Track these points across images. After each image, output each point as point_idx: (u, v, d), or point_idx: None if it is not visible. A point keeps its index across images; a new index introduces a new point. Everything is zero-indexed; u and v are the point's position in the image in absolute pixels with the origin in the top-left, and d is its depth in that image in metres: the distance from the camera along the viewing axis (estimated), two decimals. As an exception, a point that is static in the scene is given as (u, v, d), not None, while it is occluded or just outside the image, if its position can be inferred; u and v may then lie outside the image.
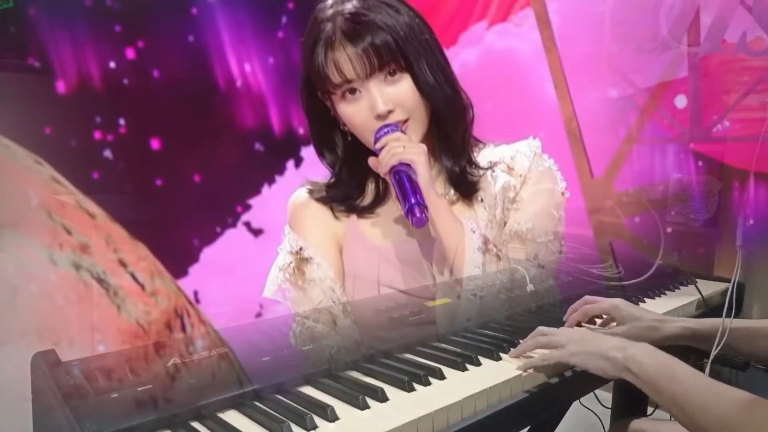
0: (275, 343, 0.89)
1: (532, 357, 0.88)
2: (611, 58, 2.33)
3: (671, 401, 0.76)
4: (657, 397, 0.78)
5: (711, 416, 0.72)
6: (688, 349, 1.01)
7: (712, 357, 0.94)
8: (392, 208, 1.23)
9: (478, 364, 0.86)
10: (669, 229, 2.24)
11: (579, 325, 1.06)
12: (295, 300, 1.20)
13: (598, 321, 1.09)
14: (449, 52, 1.30)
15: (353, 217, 1.25)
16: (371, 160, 1.15)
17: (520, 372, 0.84)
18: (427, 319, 1.01)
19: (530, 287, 1.15)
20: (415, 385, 0.78)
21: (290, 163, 2.00)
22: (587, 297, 1.06)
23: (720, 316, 0.99)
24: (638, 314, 1.00)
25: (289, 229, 1.25)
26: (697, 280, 1.36)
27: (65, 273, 1.41)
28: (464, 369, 0.84)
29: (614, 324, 1.03)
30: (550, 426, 1.47)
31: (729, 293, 1.05)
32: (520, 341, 0.91)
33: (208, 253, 1.83)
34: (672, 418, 1.20)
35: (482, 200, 1.21)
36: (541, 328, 0.91)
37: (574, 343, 0.85)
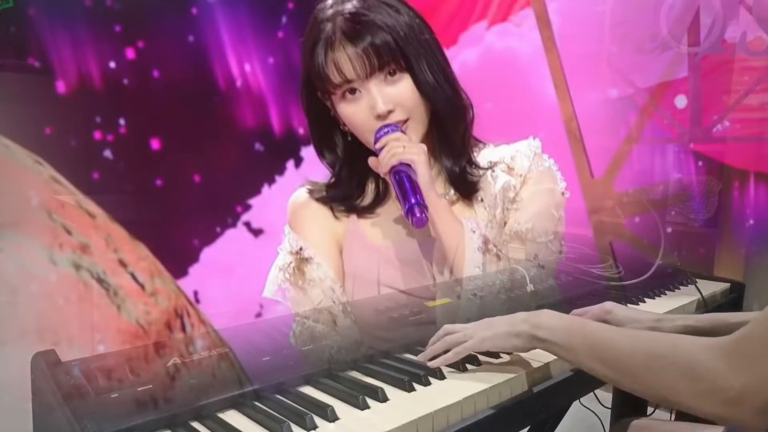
0: (275, 343, 0.89)
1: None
2: (611, 58, 2.34)
3: (592, 357, 0.75)
4: (573, 357, 0.77)
5: (638, 356, 0.71)
6: None
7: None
8: (392, 208, 1.23)
9: (479, 363, 0.86)
10: (669, 229, 2.24)
11: None
12: (295, 300, 1.20)
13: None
14: (449, 52, 1.30)
15: (353, 217, 1.25)
16: (371, 160, 1.15)
17: (520, 372, 0.84)
18: (427, 319, 1.01)
19: (530, 287, 1.15)
20: (415, 385, 0.78)
21: (290, 163, 2.00)
22: (574, 311, 1.04)
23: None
24: (635, 316, 0.99)
25: (289, 229, 1.25)
26: (697, 280, 1.36)
27: (65, 273, 1.41)
28: (464, 369, 0.84)
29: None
30: (550, 426, 1.47)
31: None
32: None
33: (208, 253, 1.83)
34: (672, 415, 1.20)
35: (482, 200, 1.21)
36: (446, 327, 0.88)
37: (482, 329, 0.84)
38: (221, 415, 0.71)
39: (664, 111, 2.32)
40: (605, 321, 1.00)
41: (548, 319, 0.80)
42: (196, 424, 0.69)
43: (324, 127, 1.22)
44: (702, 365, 0.65)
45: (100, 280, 1.45)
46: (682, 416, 1.22)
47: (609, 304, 1.01)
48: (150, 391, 0.71)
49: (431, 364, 0.83)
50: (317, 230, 1.24)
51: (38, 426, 0.73)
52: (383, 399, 0.74)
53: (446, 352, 0.85)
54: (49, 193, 1.45)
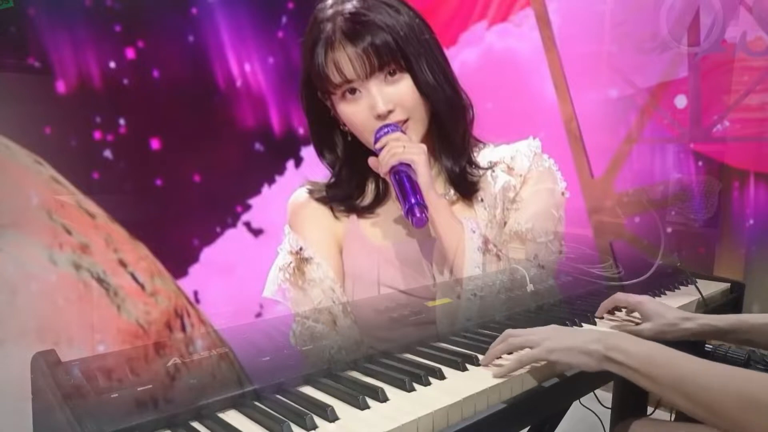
0: (275, 343, 0.89)
1: (504, 363, 0.85)
2: (611, 58, 2.34)
3: (671, 387, 0.75)
4: (650, 384, 0.77)
5: (722, 394, 0.71)
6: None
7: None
8: (392, 208, 1.23)
9: (478, 364, 0.86)
10: (669, 229, 2.24)
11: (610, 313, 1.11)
12: (295, 300, 1.20)
13: (620, 313, 1.12)
14: (449, 52, 1.30)
15: (353, 217, 1.25)
16: (371, 160, 1.15)
17: (520, 372, 0.84)
18: (427, 319, 1.01)
19: (530, 287, 1.15)
20: (415, 385, 0.78)
21: (290, 163, 2.00)
22: (618, 293, 1.09)
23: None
24: (662, 311, 1.02)
25: (289, 229, 1.25)
26: (697, 280, 1.36)
27: (65, 273, 1.41)
28: (464, 369, 0.84)
29: (639, 320, 1.05)
30: (550, 426, 1.47)
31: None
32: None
33: (208, 253, 1.83)
34: (673, 415, 1.20)
35: (482, 200, 1.21)
36: (509, 331, 0.88)
37: (549, 339, 0.83)
38: (221, 415, 0.71)
39: (664, 111, 2.32)
40: (637, 310, 1.05)
41: (626, 343, 0.79)
42: (196, 424, 0.69)
43: (324, 127, 1.22)
44: None
45: (100, 280, 1.45)
46: (683, 416, 1.22)
47: (644, 297, 1.06)
48: (150, 391, 0.71)
49: (495, 374, 0.82)
50: (317, 230, 1.24)
51: (38, 426, 0.73)
52: (383, 399, 0.74)
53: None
54: (49, 193, 1.45)
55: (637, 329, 1.02)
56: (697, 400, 0.73)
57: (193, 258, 1.80)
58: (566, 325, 1.04)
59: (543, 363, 0.85)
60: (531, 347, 0.84)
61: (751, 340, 0.97)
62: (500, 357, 0.87)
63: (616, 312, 1.12)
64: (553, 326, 0.88)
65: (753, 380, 0.72)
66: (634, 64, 2.30)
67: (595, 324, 1.08)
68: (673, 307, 1.06)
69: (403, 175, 1.10)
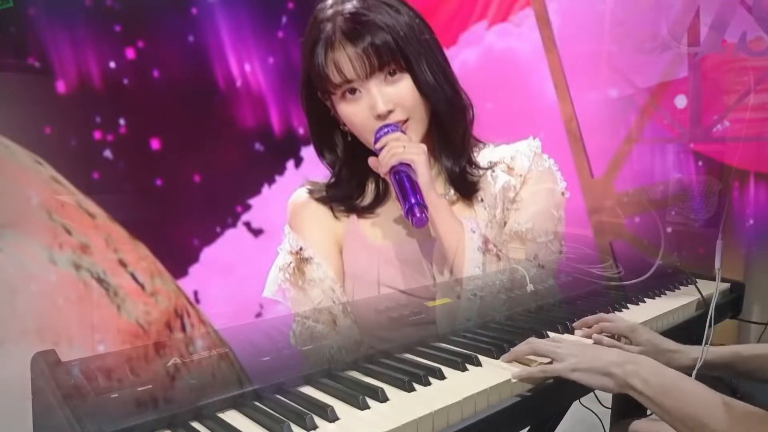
0: (275, 343, 0.89)
1: (528, 365, 0.86)
2: (611, 58, 2.33)
3: (681, 422, 0.75)
4: (664, 416, 0.77)
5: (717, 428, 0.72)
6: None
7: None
8: (392, 208, 1.23)
9: (478, 364, 0.86)
10: (669, 229, 2.24)
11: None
12: (295, 300, 1.20)
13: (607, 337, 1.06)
14: (449, 52, 1.30)
15: (353, 217, 1.25)
16: (371, 160, 1.15)
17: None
18: (427, 319, 1.01)
19: (530, 287, 1.15)
20: (415, 385, 0.78)
21: (290, 163, 2.00)
22: (602, 315, 1.05)
23: (721, 315, 0.99)
24: (656, 341, 0.99)
25: (289, 229, 1.25)
26: (697, 280, 1.36)
27: (65, 273, 1.41)
28: (464, 369, 0.84)
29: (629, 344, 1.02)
30: (550, 426, 1.47)
31: None
32: (518, 342, 0.90)
33: (208, 253, 1.83)
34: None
35: (482, 200, 1.21)
36: (535, 340, 0.89)
37: (573, 356, 0.83)
38: (221, 415, 0.71)
39: (664, 111, 2.32)
40: (628, 338, 1.00)
41: (646, 371, 0.79)
42: (196, 424, 0.69)
43: (324, 127, 1.23)
44: None
45: (100, 280, 1.45)
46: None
47: (636, 324, 1.01)
48: (150, 391, 0.71)
49: (514, 375, 0.83)
50: (317, 230, 1.24)
51: (38, 426, 0.73)
52: (383, 399, 0.74)
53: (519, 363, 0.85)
54: (49, 193, 1.45)
55: (626, 348, 0.99)
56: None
57: (193, 258, 1.80)
58: (566, 325, 1.05)
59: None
60: (554, 359, 0.84)
61: (749, 373, 0.96)
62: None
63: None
64: (578, 343, 0.89)
65: (763, 422, 0.72)
66: (634, 64, 2.30)
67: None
68: (668, 339, 1.02)
69: (403, 175, 1.10)
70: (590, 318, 1.05)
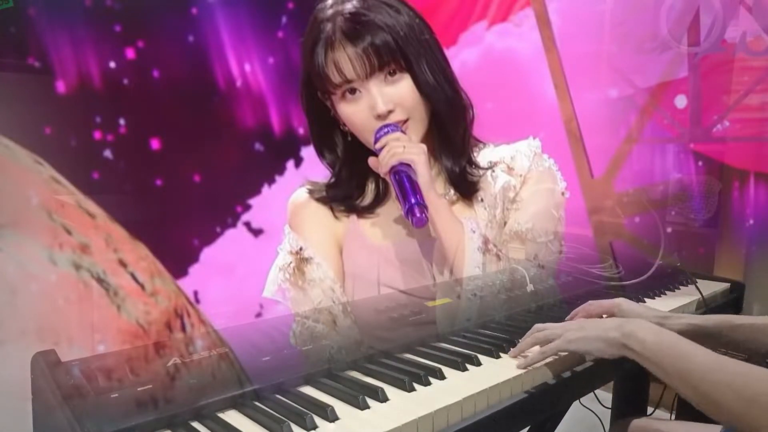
0: (275, 343, 0.89)
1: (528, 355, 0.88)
2: (611, 58, 2.34)
3: (679, 379, 0.76)
4: (661, 374, 0.77)
5: (728, 390, 0.72)
6: None
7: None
8: (392, 208, 1.23)
9: (478, 364, 0.86)
10: (669, 229, 2.24)
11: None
12: (295, 300, 1.20)
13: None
14: (449, 52, 1.30)
15: (353, 217, 1.25)
16: (371, 160, 1.15)
17: (520, 372, 0.84)
18: (427, 319, 1.01)
19: (530, 287, 1.15)
20: (415, 385, 0.78)
21: (290, 163, 2.00)
22: (590, 301, 1.06)
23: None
24: (641, 312, 1.00)
25: (289, 229, 1.25)
26: (697, 280, 1.36)
27: (65, 273, 1.41)
28: (464, 369, 0.84)
29: None
30: (550, 426, 1.47)
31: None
32: (518, 341, 0.91)
33: (208, 253, 1.83)
34: (673, 415, 1.21)
35: (482, 200, 1.21)
36: (537, 325, 0.91)
37: (570, 331, 0.85)
38: (221, 415, 0.71)
39: (664, 111, 2.32)
40: (614, 314, 1.01)
41: (641, 331, 0.80)
42: (196, 424, 0.69)
43: (324, 127, 1.22)
44: None
45: (100, 280, 1.45)
46: (681, 416, 1.22)
47: (620, 300, 1.02)
48: (150, 391, 0.71)
49: (519, 365, 0.84)
50: (317, 230, 1.24)
51: (38, 426, 0.73)
52: (383, 399, 0.74)
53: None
54: (49, 193, 1.45)
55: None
56: (703, 394, 0.74)
57: (193, 258, 1.80)
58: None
59: (556, 357, 0.86)
60: (553, 340, 0.86)
61: (736, 342, 0.96)
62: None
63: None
64: (578, 320, 0.90)
65: (759, 378, 0.72)
66: (634, 64, 2.30)
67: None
68: (653, 307, 1.04)
69: (403, 175, 1.10)
70: (578, 310, 1.05)
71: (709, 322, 0.97)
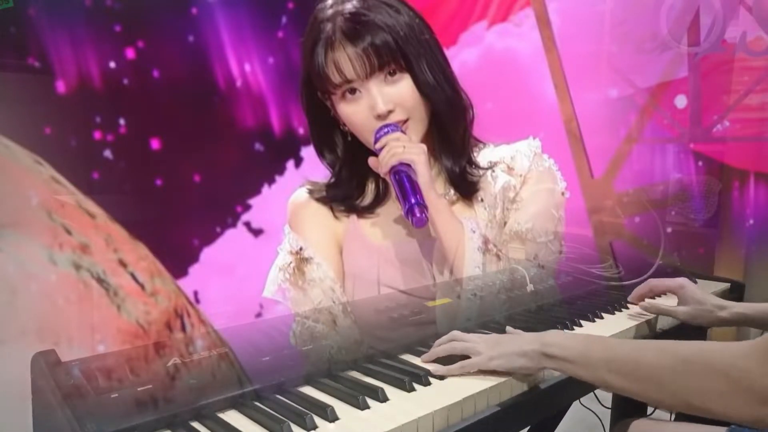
0: (275, 343, 0.89)
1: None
2: (611, 58, 2.34)
3: (608, 370, 0.75)
4: (588, 372, 0.77)
5: (652, 367, 0.72)
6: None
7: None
8: (392, 208, 1.23)
9: (478, 364, 0.86)
10: (669, 229, 2.24)
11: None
12: (295, 300, 1.20)
13: (659, 299, 1.15)
14: (449, 52, 1.30)
15: (353, 217, 1.25)
16: (371, 160, 1.15)
17: (519, 372, 0.84)
18: (427, 319, 1.01)
19: (530, 287, 1.15)
20: (415, 385, 0.78)
21: (290, 163, 2.00)
22: (651, 279, 1.12)
23: None
24: (701, 297, 1.04)
25: (289, 229, 1.25)
26: (697, 280, 1.36)
27: (65, 273, 1.41)
28: (464, 369, 0.84)
29: (677, 303, 1.08)
30: (550, 426, 1.47)
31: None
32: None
33: (208, 253, 1.83)
34: (673, 415, 1.20)
35: (482, 200, 1.21)
36: (455, 333, 0.89)
37: (490, 348, 0.83)
38: (221, 415, 0.71)
39: (664, 111, 2.32)
40: (676, 294, 1.08)
41: (560, 337, 0.81)
42: (196, 424, 0.69)
43: (324, 127, 1.23)
44: (736, 367, 0.66)
45: (100, 280, 1.45)
46: (683, 417, 1.22)
47: (684, 280, 1.08)
48: (150, 391, 0.71)
49: (432, 369, 0.83)
50: (317, 230, 1.24)
51: (38, 426, 0.73)
52: (383, 399, 0.74)
53: (448, 360, 0.85)
54: (49, 193, 1.45)
55: (671, 310, 1.07)
56: (634, 377, 0.74)
57: (193, 258, 1.80)
58: (566, 325, 1.05)
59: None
60: (472, 355, 0.84)
61: None
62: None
63: (656, 298, 1.15)
64: (494, 335, 0.88)
65: (684, 345, 0.73)
66: (634, 64, 2.30)
67: (593, 321, 1.08)
68: (711, 294, 1.08)
69: (403, 175, 1.10)
70: (640, 288, 1.13)
71: (754, 310, 1.01)
